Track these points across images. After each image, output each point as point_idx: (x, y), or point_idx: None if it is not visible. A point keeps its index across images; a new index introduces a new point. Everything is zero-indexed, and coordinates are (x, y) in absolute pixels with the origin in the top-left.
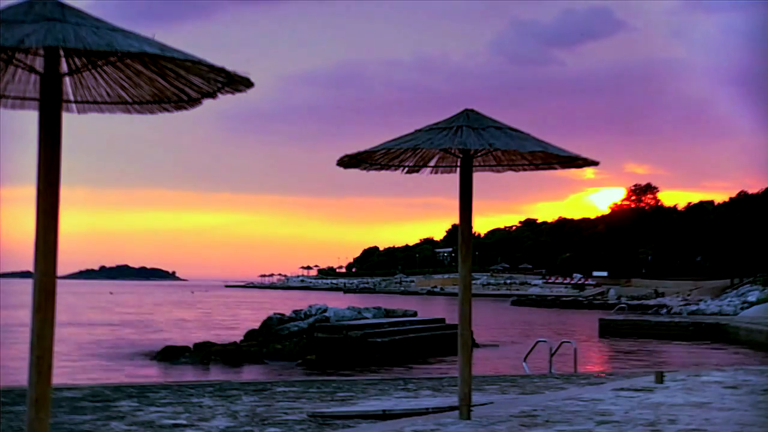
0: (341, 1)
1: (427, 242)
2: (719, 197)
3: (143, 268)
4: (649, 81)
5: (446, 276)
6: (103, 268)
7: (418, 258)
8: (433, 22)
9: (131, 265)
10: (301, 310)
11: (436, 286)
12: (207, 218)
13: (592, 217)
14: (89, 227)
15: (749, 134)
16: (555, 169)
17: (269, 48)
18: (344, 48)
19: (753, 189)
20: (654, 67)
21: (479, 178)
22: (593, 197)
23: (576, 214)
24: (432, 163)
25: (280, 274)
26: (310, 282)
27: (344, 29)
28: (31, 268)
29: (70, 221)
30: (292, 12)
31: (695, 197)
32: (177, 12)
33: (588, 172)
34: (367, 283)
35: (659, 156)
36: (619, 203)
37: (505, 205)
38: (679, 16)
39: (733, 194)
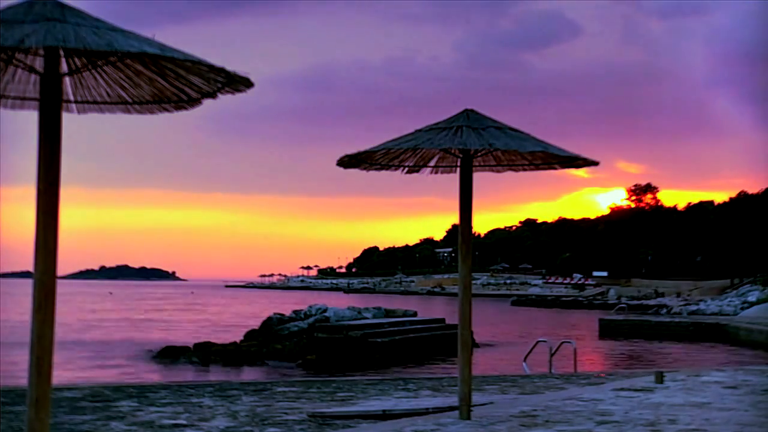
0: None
1: (427, 242)
2: (717, 197)
3: (143, 268)
4: (622, 83)
5: (446, 276)
6: (103, 268)
7: (418, 258)
8: (401, 26)
9: (131, 265)
10: (301, 310)
11: (436, 286)
12: (207, 218)
13: (587, 216)
14: (89, 227)
15: (734, 134)
16: (555, 169)
17: (236, 52)
18: (314, 51)
19: (752, 189)
20: (615, 70)
21: (479, 178)
22: (585, 197)
23: (566, 214)
24: (432, 163)
25: (280, 274)
26: (310, 282)
27: (313, 33)
28: (31, 268)
29: (69, 221)
30: (262, 16)
31: (690, 196)
32: (148, 17)
33: (580, 171)
34: (367, 283)
35: (650, 155)
36: (620, 203)
37: (496, 205)
38: (632, 19)
39: (733, 194)
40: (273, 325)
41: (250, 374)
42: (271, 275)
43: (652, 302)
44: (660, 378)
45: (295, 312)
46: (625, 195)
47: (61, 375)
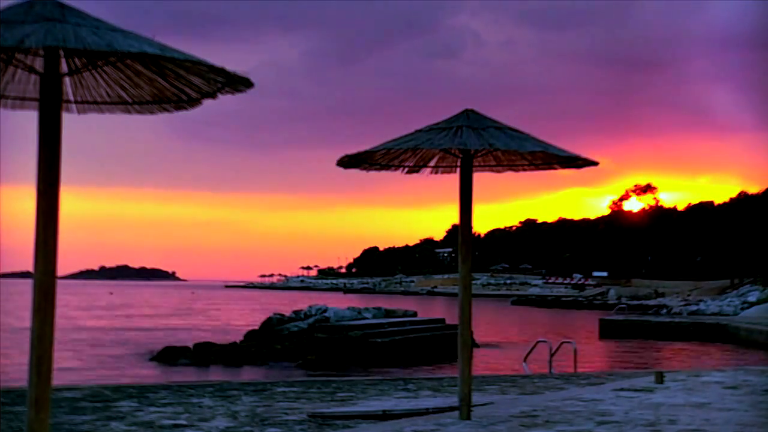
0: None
1: (427, 242)
2: (702, 195)
3: (143, 269)
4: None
5: (446, 276)
6: (102, 268)
7: (418, 258)
8: (324, 36)
9: (131, 265)
10: (301, 310)
11: (436, 287)
12: (207, 218)
13: (587, 217)
14: (89, 227)
15: (729, 133)
16: (555, 169)
17: None
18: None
19: (752, 189)
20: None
21: (479, 178)
22: (574, 196)
23: (548, 211)
24: (432, 163)
25: (280, 275)
26: (310, 282)
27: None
28: (31, 268)
29: (69, 221)
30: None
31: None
32: None
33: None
34: (367, 283)
35: (635, 154)
36: (616, 201)
37: (478, 202)
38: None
39: (707, 193)
40: (273, 325)
41: (250, 374)
42: (271, 275)
43: (652, 302)
44: (660, 378)
45: (295, 312)
46: (616, 195)
47: (60, 375)
